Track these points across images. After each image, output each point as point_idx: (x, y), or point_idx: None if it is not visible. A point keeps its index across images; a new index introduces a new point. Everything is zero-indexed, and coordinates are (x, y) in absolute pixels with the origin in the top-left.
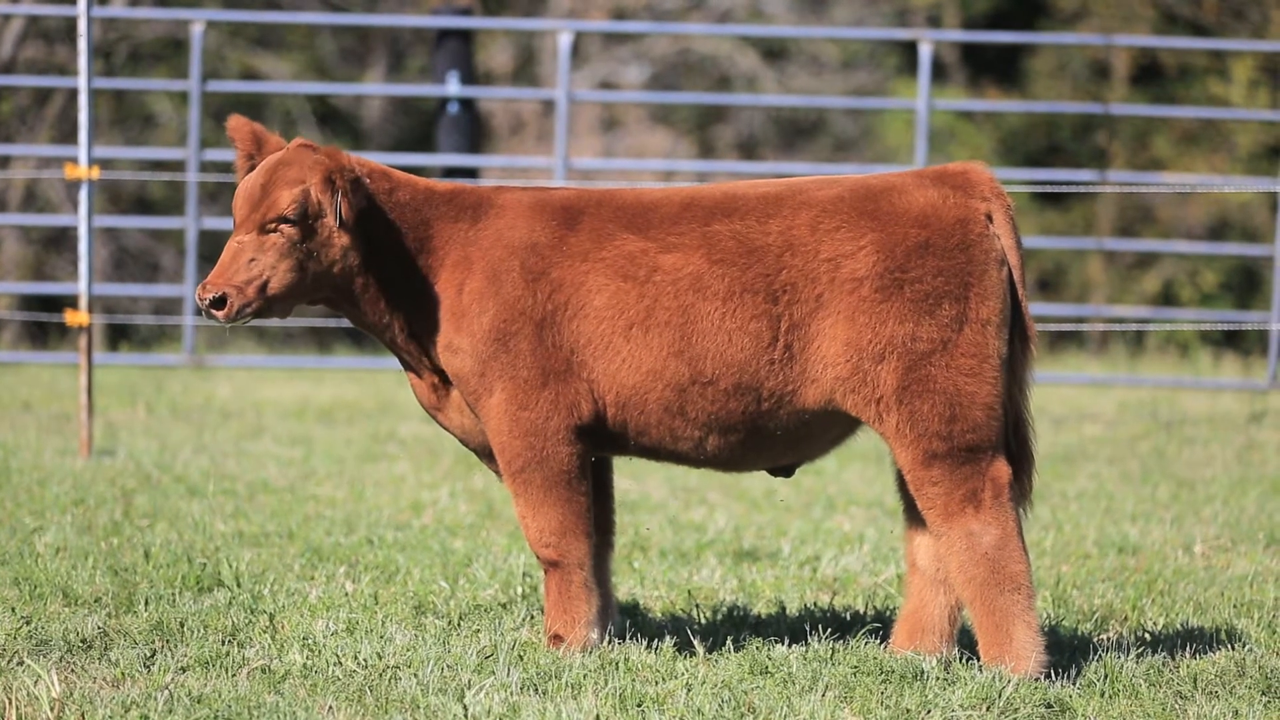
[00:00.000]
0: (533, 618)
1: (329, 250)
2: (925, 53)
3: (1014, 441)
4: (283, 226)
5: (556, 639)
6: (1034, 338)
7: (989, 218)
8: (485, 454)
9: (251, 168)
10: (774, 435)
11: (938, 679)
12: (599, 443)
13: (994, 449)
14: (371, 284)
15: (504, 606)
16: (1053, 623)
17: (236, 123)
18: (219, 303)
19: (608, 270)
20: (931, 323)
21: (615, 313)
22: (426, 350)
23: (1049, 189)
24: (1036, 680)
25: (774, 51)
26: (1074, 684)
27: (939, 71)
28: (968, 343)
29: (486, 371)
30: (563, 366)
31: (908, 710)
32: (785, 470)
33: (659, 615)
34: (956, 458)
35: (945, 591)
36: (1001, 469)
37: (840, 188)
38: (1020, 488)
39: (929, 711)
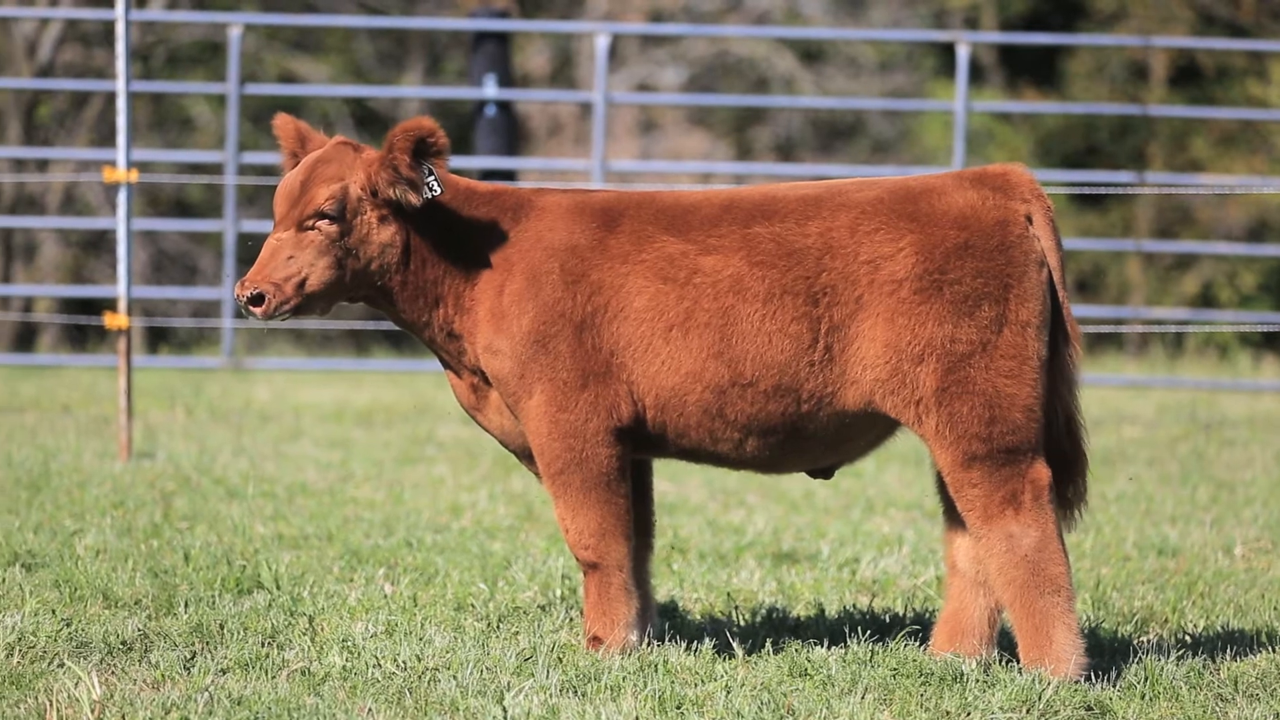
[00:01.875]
0: (572, 620)
1: (367, 247)
2: (963, 54)
3: (1067, 442)
4: (321, 223)
5: (596, 641)
6: (1077, 338)
7: (1029, 219)
8: (524, 455)
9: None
10: (813, 437)
11: (977, 681)
12: (639, 445)
13: (1034, 450)
14: (410, 283)
15: (543, 609)
16: (1092, 625)
17: (282, 121)
18: (257, 300)
19: (648, 272)
20: (971, 324)
21: (655, 315)
22: (466, 351)
23: (1087, 191)
24: (1076, 683)
25: (811, 53)
26: (1114, 686)
27: (976, 73)
28: (1007, 344)
29: (526, 373)
30: (602, 368)
31: (947, 713)
32: (825, 472)
33: (698, 617)
34: (996, 459)
35: (985, 594)
36: (1041, 471)
37: (880, 190)
38: (1075, 489)
39: (968, 714)
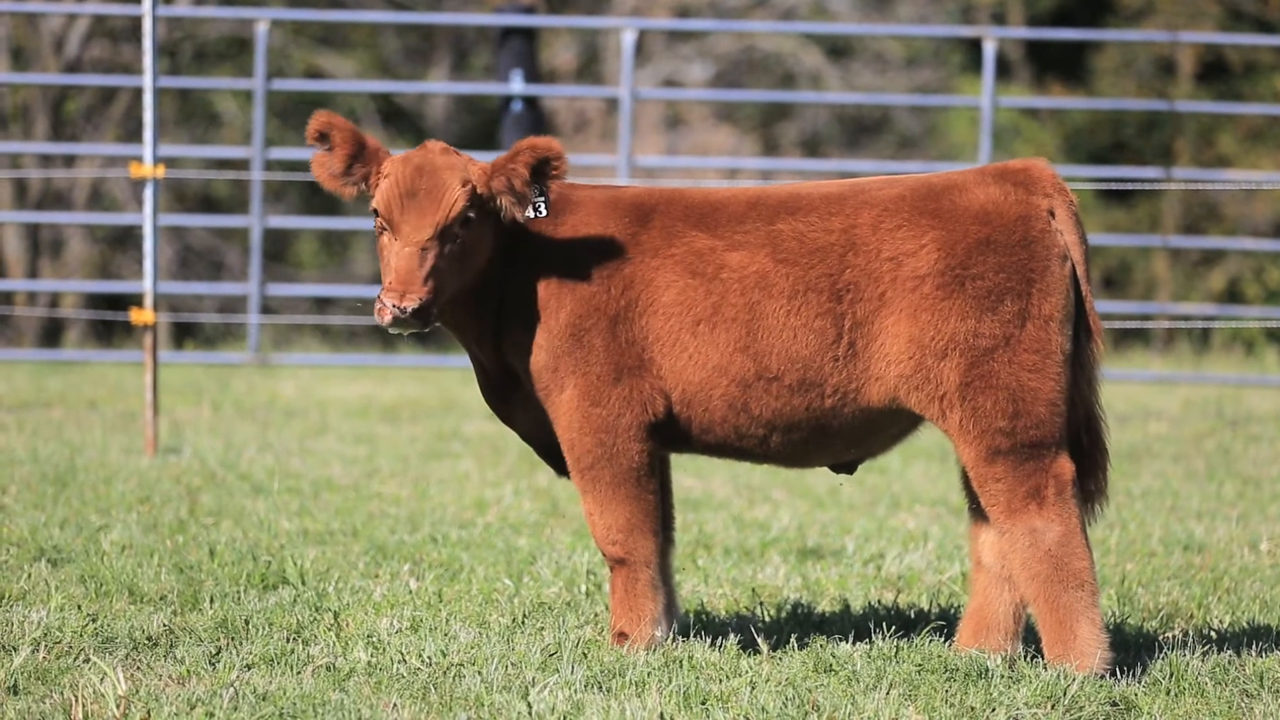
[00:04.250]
0: (596, 616)
1: (481, 251)
2: (989, 50)
3: (1086, 437)
4: (461, 230)
5: (621, 637)
6: (1099, 333)
7: (1051, 214)
8: (549, 453)
9: (351, 169)
10: (837, 432)
11: (1002, 677)
12: (665, 440)
13: (1057, 445)
14: (478, 283)
15: (568, 604)
16: (1118, 621)
17: (339, 123)
18: (421, 312)
19: (677, 266)
20: (994, 319)
21: (683, 309)
22: (498, 345)
23: (1114, 186)
24: (1100, 678)
25: (838, 49)
26: (1139, 682)
27: (1003, 69)
28: (1030, 339)
29: (560, 367)
30: (635, 363)
31: (972, 708)
32: (848, 467)
33: (723, 613)
34: (1020, 454)
35: (1010, 589)
36: (1065, 465)
37: (902, 187)
38: (1095, 483)
39: (994, 710)
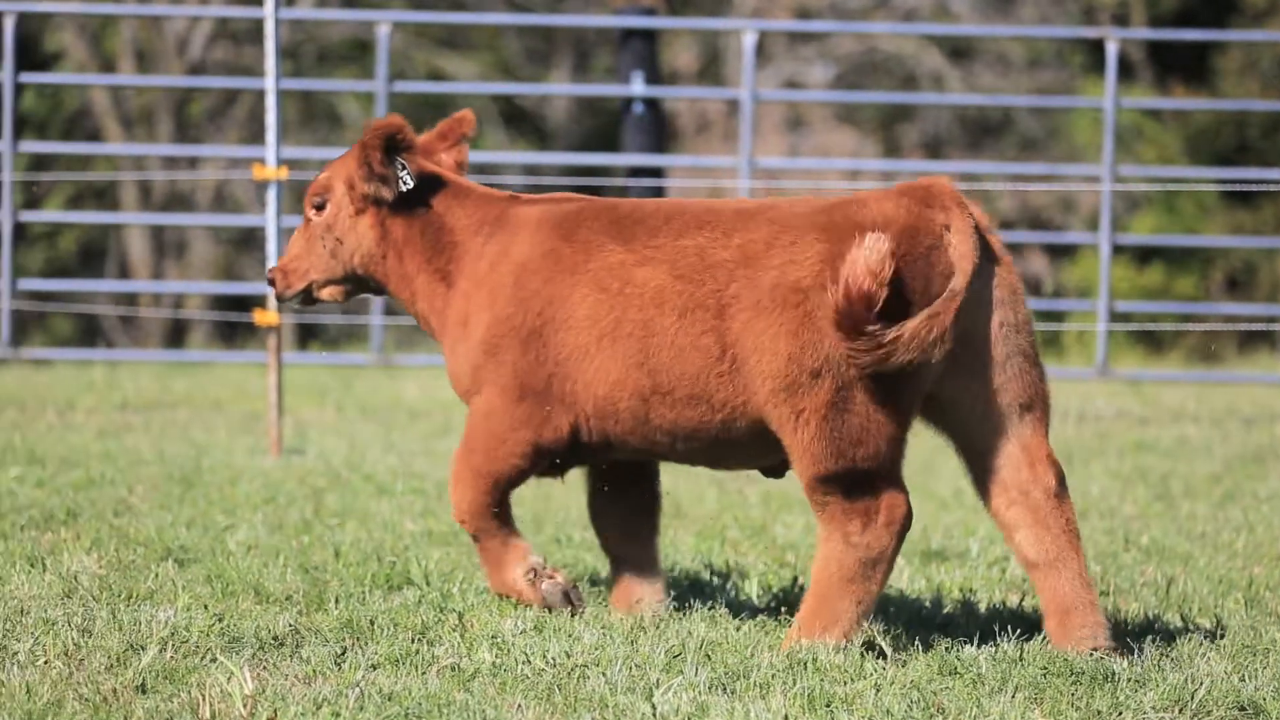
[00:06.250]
0: (716, 618)
1: (351, 237)
2: (1112, 51)
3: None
4: (312, 214)
5: (501, 586)
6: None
7: (946, 228)
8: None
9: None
10: (738, 441)
11: (1129, 680)
12: (595, 449)
13: (892, 478)
14: (394, 273)
15: (691, 605)
16: (1248, 623)
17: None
18: (271, 284)
19: (591, 282)
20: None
21: (591, 323)
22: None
23: (1238, 188)
24: (1227, 681)
25: (959, 50)
26: (1268, 687)
27: (1126, 70)
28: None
29: (476, 375)
30: (542, 384)
31: (1098, 712)
32: (774, 470)
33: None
34: (855, 480)
35: (1064, 566)
36: (898, 499)
37: (808, 204)
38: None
39: (1120, 714)
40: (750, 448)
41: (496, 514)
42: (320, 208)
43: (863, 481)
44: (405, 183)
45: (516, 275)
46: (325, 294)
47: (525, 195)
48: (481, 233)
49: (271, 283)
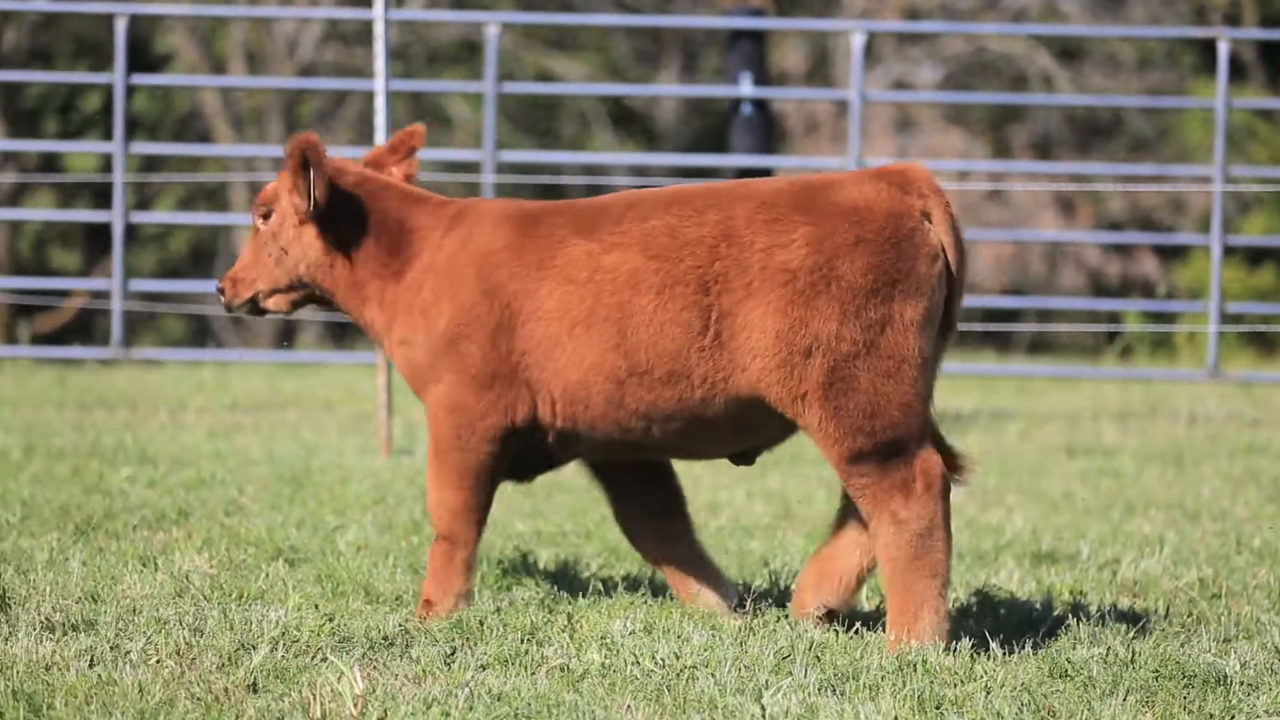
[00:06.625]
0: (823, 621)
1: (295, 247)
2: (1224, 51)
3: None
4: (259, 222)
5: (428, 604)
6: (952, 331)
7: (926, 215)
8: None
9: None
10: (714, 422)
11: (1241, 684)
12: (562, 444)
13: (918, 442)
14: (342, 281)
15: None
16: None
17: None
18: (220, 292)
19: (558, 276)
20: (857, 323)
21: (562, 314)
22: (385, 344)
23: None
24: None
25: (1069, 51)
26: None
27: (1237, 70)
28: (890, 345)
29: (437, 365)
30: (510, 371)
31: (1211, 715)
32: (745, 457)
33: (956, 617)
34: (882, 453)
35: (861, 551)
36: (931, 460)
37: (784, 183)
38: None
39: (1232, 717)
40: (724, 429)
41: (478, 522)
42: (267, 217)
43: (890, 453)
44: (318, 194)
45: (478, 266)
46: (271, 303)
47: (481, 199)
48: (439, 228)
49: (221, 291)
